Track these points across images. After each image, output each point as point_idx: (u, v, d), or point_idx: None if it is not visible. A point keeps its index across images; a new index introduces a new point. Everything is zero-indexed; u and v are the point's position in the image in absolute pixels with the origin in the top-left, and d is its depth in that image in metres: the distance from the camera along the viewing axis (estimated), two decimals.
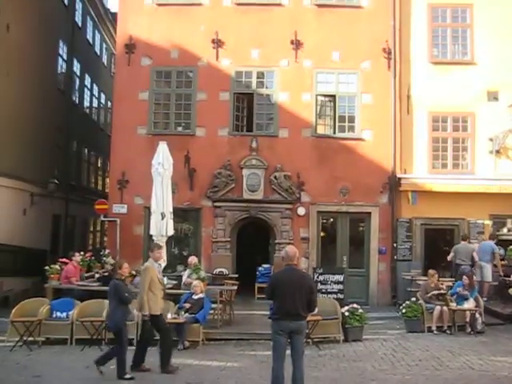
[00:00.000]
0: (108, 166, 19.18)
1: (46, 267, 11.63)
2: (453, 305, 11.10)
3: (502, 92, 14.94)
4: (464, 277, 11.59)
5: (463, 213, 14.55)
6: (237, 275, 14.00)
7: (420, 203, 14.66)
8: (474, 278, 12.00)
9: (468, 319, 10.84)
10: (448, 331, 10.84)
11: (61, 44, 20.09)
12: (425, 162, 15.01)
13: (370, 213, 14.89)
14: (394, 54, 15.06)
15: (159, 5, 15.34)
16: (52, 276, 11.50)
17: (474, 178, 14.70)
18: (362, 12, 15.22)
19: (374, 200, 14.83)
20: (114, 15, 20.35)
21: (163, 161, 11.44)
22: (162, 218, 11.28)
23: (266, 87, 15.25)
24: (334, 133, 15.10)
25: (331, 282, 13.16)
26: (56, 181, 17.90)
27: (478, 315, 10.96)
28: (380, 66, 15.06)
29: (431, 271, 11.70)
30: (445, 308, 10.94)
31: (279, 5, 15.21)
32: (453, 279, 12.67)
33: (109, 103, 25.11)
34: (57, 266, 11.69)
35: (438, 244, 15.19)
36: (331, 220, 15.41)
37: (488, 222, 14.76)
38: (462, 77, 15.03)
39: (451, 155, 15.11)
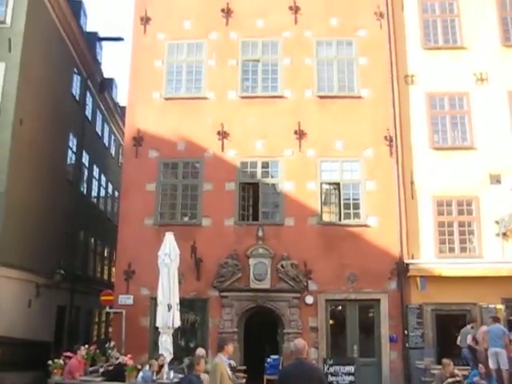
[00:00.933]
0: (114, 256, 19.17)
1: (50, 362, 11.37)
2: None
3: (504, 175, 15.12)
4: (480, 365, 11.23)
5: (474, 297, 14.24)
6: (245, 367, 13.63)
7: (429, 288, 14.43)
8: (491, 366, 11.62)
9: None
10: None
11: (71, 137, 20.72)
12: (432, 247, 14.93)
13: (379, 299, 14.64)
14: (396, 142, 15.42)
15: (167, 99, 15.99)
16: (55, 371, 11.21)
17: (483, 261, 14.54)
18: (362, 102, 15.76)
19: (382, 286, 14.64)
20: (123, 109, 21.13)
21: (170, 252, 11.48)
22: (169, 310, 11.16)
23: (271, 177, 15.50)
24: (340, 220, 15.17)
25: (342, 373, 12.78)
26: (62, 271, 17.84)
27: None
28: (382, 154, 15.38)
29: (446, 361, 11.30)
30: None
31: (282, 97, 15.81)
32: (468, 367, 12.29)
33: (116, 193, 25.51)
34: (60, 361, 11.42)
35: (451, 330, 14.73)
36: (340, 308, 15.13)
37: (500, 307, 14.40)
38: (464, 161, 15.32)
39: (458, 239, 15.04)
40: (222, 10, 16.58)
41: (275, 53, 16.21)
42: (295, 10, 16.50)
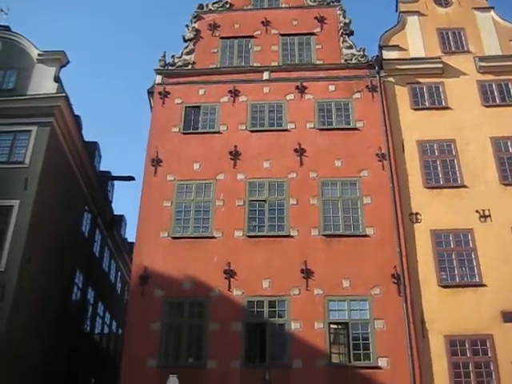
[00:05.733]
0: None
1: None
2: None
3: None
4: None
5: None
6: None
7: None
8: None
9: None
10: None
11: (78, 273, 20.80)
12: None
13: None
14: (404, 280, 15.31)
15: (174, 238, 16.18)
16: None
17: None
18: (368, 240, 15.88)
19: None
20: (131, 245, 21.34)
21: None
22: None
23: (279, 316, 15.12)
24: (349, 361, 14.54)
25: None
26: None
27: None
28: (390, 292, 15.17)
29: None
30: None
31: (288, 236, 15.98)
32: None
33: (120, 331, 25.04)
34: None
35: None
36: None
37: None
38: (474, 299, 15.06)
39: (475, 381, 14.25)
40: (230, 153, 17.41)
41: (281, 193, 16.69)
42: (300, 152, 17.32)
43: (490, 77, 18.96)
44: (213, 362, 14.57)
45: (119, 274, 27.37)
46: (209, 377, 14.36)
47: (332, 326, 15.14)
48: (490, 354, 14.55)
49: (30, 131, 17.76)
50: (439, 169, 17.20)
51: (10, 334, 14.80)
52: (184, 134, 18.10)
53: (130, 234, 46.35)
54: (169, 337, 15.10)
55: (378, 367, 14.39)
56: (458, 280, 15.57)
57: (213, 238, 16.08)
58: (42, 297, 16.90)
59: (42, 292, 16.95)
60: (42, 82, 18.81)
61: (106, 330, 25.12)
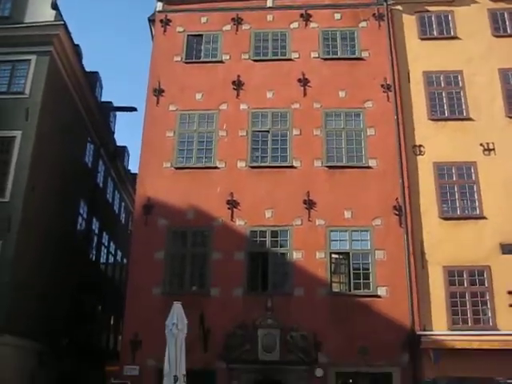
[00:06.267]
0: (121, 325, 18.94)
1: None
2: None
3: None
4: None
5: (490, 371, 13.69)
6: None
7: (443, 361, 13.90)
8: None
9: None
10: None
11: (82, 204, 20.98)
12: (444, 318, 14.57)
13: (390, 373, 14.16)
14: (405, 211, 15.44)
15: (177, 168, 16.23)
16: None
17: (498, 333, 14.15)
18: (371, 172, 15.93)
19: (394, 359, 14.17)
20: (134, 176, 21.43)
21: (177, 321, 11.30)
22: (175, 382, 10.88)
23: (281, 246, 15.41)
24: (350, 290, 14.93)
25: None
26: (67, 340, 17.59)
27: None
28: (392, 223, 15.36)
29: None
30: None
31: (291, 167, 16.03)
32: None
33: (124, 260, 25.50)
34: None
35: None
36: (350, 381, 14.63)
37: None
38: (474, 231, 15.24)
39: (471, 310, 14.69)
40: (233, 83, 17.16)
41: (284, 124, 16.60)
42: (304, 82, 17.07)
43: (502, 5, 18.29)
44: (215, 289, 14.97)
45: (123, 204, 27.62)
46: (212, 304, 14.75)
47: (333, 255, 15.45)
48: (486, 285, 14.86)
49: (29, 60, 17.40)
50: (445, 101, 16.95)
51: (17, 260, 15.09)
52: (186, 63, 17.79)
53: (133, 166, 46.50)
54: (173, 265, 15.44)
55: (377, 296, 14.78)
56: (459, 212, 15.69)
57: (216, 168, 16.14)
58: (47, 225, 17.12)
59: (47, 221, 17.15)
60: (40, 10, 18.21)
61: (111, 259, 25.65)
